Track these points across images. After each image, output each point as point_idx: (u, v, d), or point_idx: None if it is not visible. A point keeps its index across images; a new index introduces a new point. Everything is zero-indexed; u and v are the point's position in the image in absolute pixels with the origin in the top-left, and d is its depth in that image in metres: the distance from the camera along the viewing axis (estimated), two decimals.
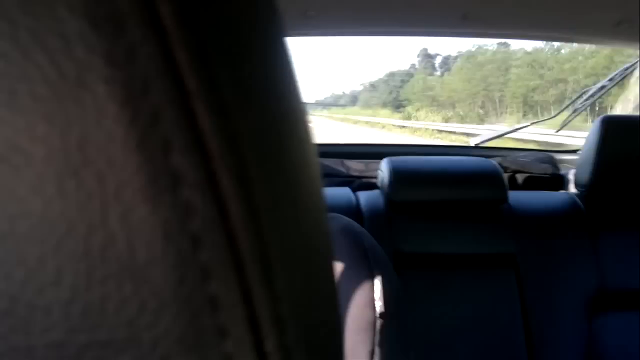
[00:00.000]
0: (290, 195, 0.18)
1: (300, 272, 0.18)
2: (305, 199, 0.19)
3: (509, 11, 1.35)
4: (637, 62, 1.68)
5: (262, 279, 0.15)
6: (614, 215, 1.36)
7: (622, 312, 1.27)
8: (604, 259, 1.30)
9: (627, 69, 1.65)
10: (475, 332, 1.27)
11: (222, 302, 0.15)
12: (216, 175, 0.14)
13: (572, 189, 1.55)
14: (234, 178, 0.14)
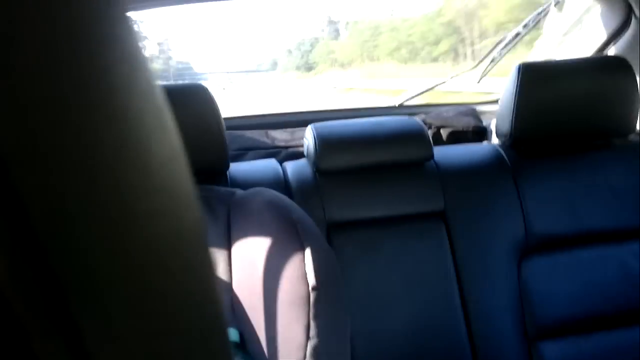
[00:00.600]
0: None
1: None
2: None
3: None
4: (548, 7, 1.70)
5: None
6: (536, 162, 1.31)
7: (548, 255, 1.25)
8: (529, 205, 1.26)
9: (539, 14, 1.51)
10: (411, 290, 1.23)
11: None
12: None
13: (494, 139, 1.48)
14: None
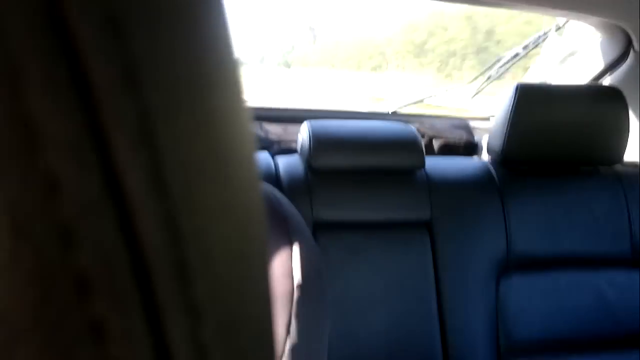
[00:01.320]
0: None
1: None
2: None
3: None
4: (549, 30, 1.63)
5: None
6: (523, 182, 1.26)
7: (527, 275, 1.21)
8: (512, 224, 1.22)
9: (539, 37, 1.45)
10: (391, 297, 1.18)
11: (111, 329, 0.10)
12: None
13: (485, 155, 1.43)
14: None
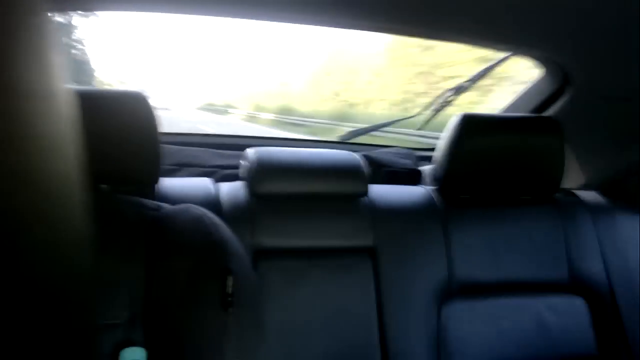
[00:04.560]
0: None
1: None
2: None
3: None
4: (494, 64, 1.72)
5: None
6: (465, 210, 1.28)
7: (468, 301, 1.22)
8: (454, 250, 1.23)
9: (486, 70, 1.48)
10: (332, 324, 1.17)
11: None
12: None
13: (428, 184, 1.44)
14: None
